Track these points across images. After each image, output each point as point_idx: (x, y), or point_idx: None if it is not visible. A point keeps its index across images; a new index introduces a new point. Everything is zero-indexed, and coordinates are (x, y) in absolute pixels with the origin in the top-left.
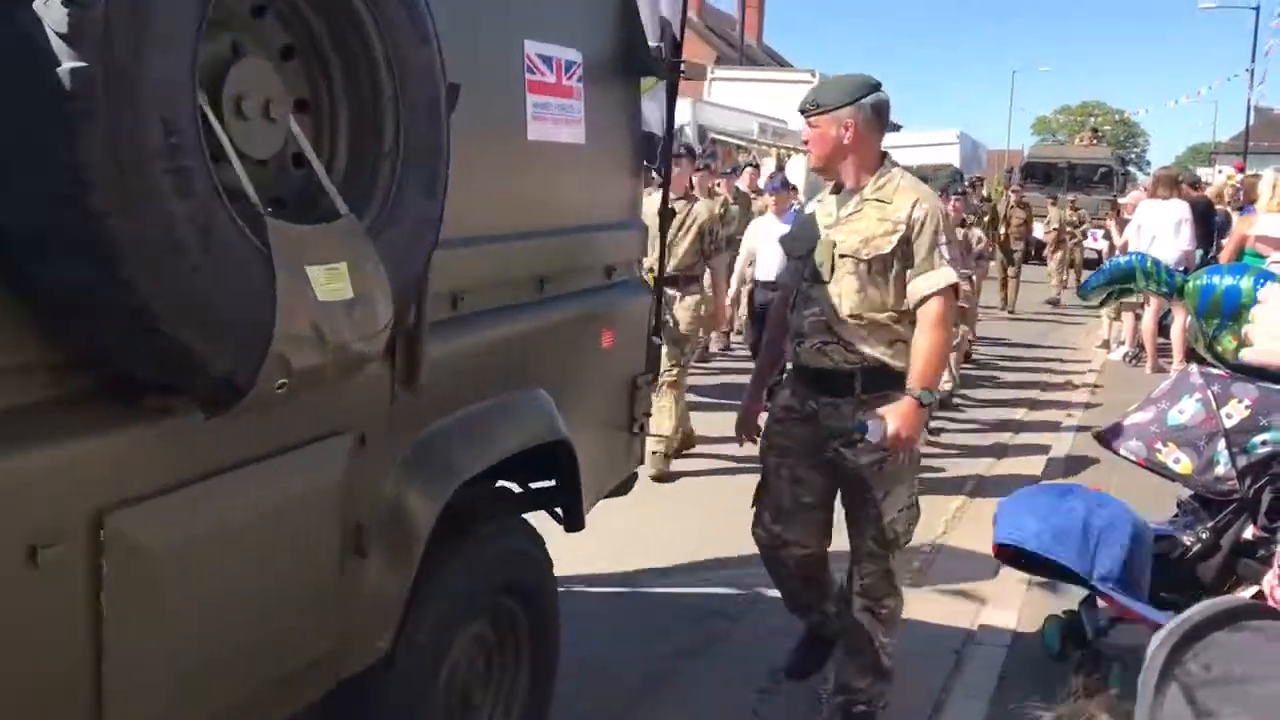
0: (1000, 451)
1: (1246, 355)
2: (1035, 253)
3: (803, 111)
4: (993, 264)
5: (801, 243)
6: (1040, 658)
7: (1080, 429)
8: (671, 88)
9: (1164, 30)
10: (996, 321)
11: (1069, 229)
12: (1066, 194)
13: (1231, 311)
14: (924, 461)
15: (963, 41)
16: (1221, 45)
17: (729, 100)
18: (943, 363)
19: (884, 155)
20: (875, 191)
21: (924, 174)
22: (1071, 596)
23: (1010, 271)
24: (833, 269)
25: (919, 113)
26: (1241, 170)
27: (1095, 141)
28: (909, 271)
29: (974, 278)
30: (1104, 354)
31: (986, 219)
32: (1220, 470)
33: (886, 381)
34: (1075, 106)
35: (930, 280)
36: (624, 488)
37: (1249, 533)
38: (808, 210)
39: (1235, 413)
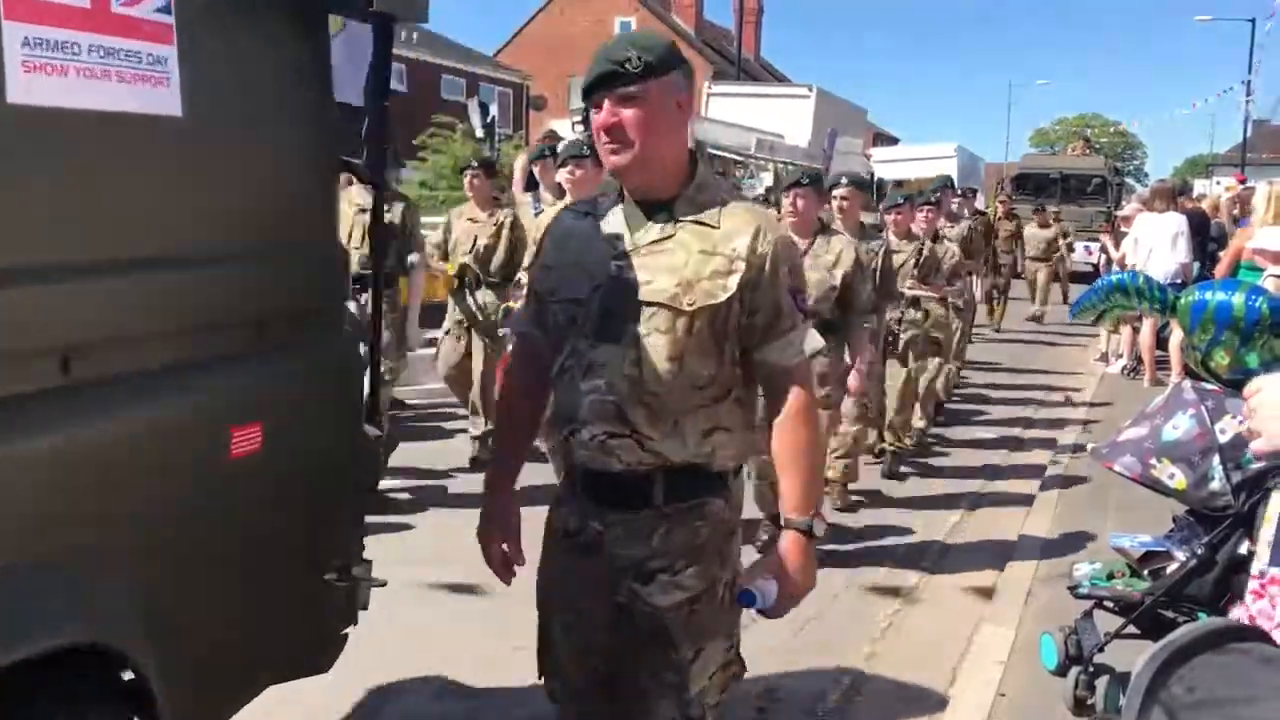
0: (995, 471)
1: (1256, 448)
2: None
3: (610, 79)
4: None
5: (572, 276)
6: (1038, 673)
7: (1078, 444)
8: (382, 34)
9: (1161, 43)
10: (986, 343)
11: (1055, 242)
12: (1058, 205)
13: (1224, 328)
14: (924, 475)
15: (961, 56)
16: (1219, 58)
17: (726, 115)
18: (824, 466)
19: (693, 154)
20: (692, 209)
21: (920, 188)
22: (1069, 612)
23: (998, 287)
24: (633, 322)
25: (917, 127)
26: (1243, 182)
27: (1088, 151)
28: (756, 333)
29: (951, 299)
30: (1102, 367)
31: (978, 230)
32: (1215, 485)
33: (698, 486)
34: (1073, 118)
35: (796, 347)
36: (318, 664)
37: (1244, 548)
38: (555, 219)
39: (1229, 428)
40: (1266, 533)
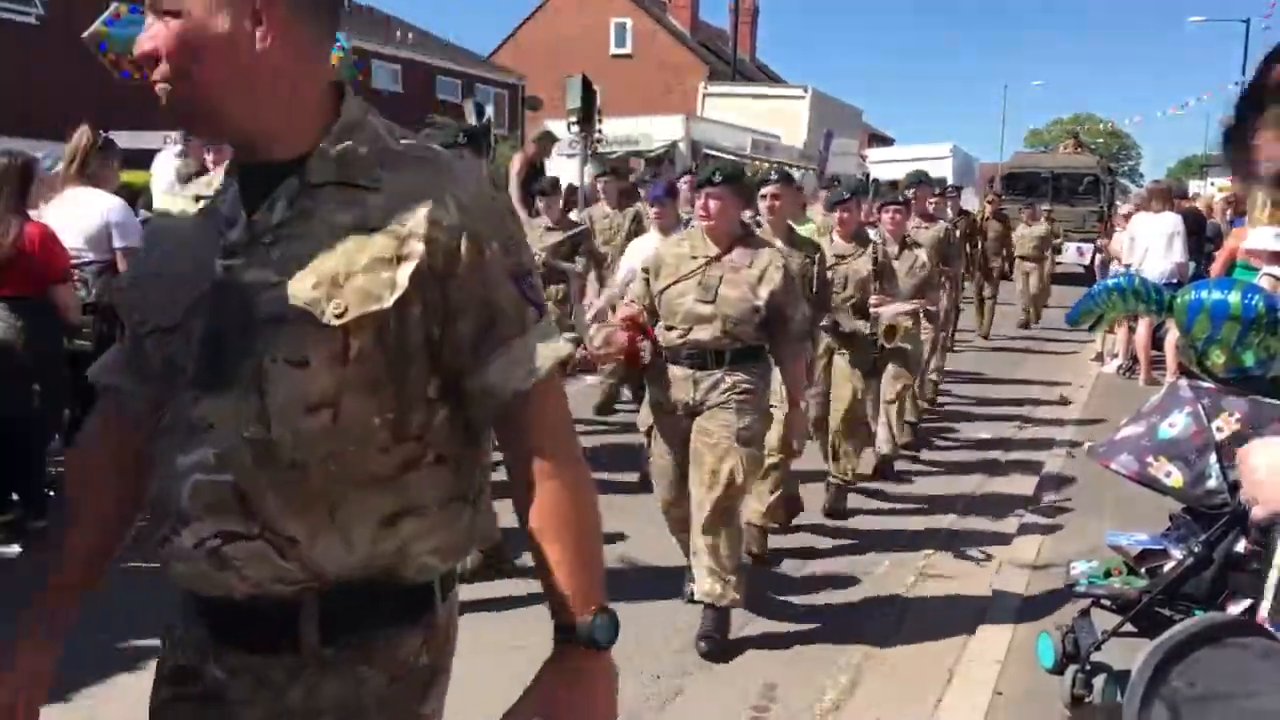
0: (992, 467)
1: (1255, 515)
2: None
3: None
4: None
5: (161, 293)
6: (1035, 672)
7: (1074, 443)
8: None
9: (1157, 44)
10: (973, 352)
11: (1048, 241)
12: (1050, 205)
13: (1221, 325)
14: (920, 473)
15: (956, 57)
16: (1212, 59)
17: (721, 116)
18: (598, 534)
19: (339, 86)
20: (337, 167)
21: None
22: (1067, 611)
23: (987, 292)
24: (253, 353)
25: (913, 128)
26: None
27: (1079, 150)
28: (464, 349)
29: (927, 309)
30: (1098, 367)
31: (958, 232)
32: (1211, 484)
33: (378, 611)
34: (1068, 119)
35: (527, 361)
36: None
37: (1241, 546)
38: (153, 216)
39: (1226, 426)
40: (1273, 579)
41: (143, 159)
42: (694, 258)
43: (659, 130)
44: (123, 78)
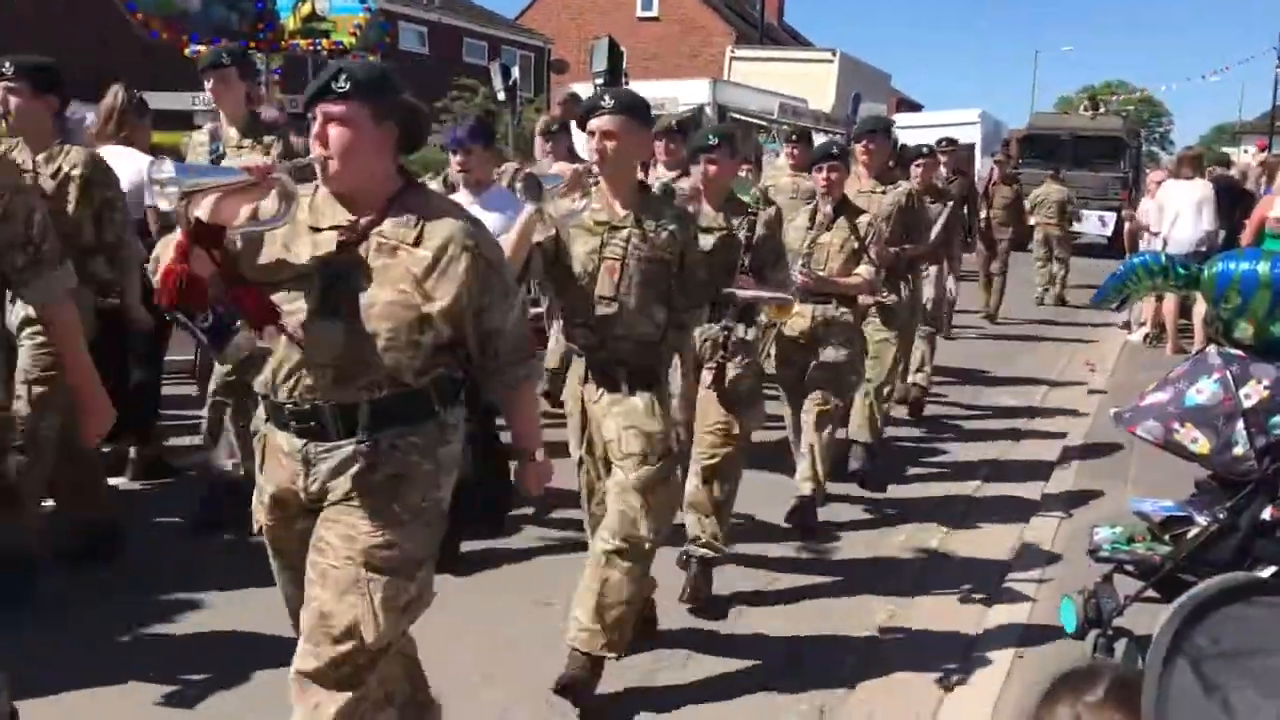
0: (1016, 434)
1: None
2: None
3: None
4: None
5: None
6: (1057, 635)
7: (1100, 407)
8: None
9: (1190, 8)
10: (971, 341)
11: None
12: (1070, 170)
13: (1252, 293)
14: (944, 440)
15: (986, 21)
16: (1249, 22)
17: (749, 79)
18: None
19: None
20: None
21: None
22: (1089, 576)
23: (994, 267)
24: None
25: (943, 93)
26: (1264, 149)
27: (1097, 114)
28: None
29: (880, 300)
30: (1124, 335)
31: (920, 199)
32: (1238, 450)
33: None
34: (1099, 86)
35: None
36: None
37: (1267, 513)
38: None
39: (1254, 393)
40: None
41: (173, 119)
42: (316, 229)
43: (685, 94)
44: (152, 38)
